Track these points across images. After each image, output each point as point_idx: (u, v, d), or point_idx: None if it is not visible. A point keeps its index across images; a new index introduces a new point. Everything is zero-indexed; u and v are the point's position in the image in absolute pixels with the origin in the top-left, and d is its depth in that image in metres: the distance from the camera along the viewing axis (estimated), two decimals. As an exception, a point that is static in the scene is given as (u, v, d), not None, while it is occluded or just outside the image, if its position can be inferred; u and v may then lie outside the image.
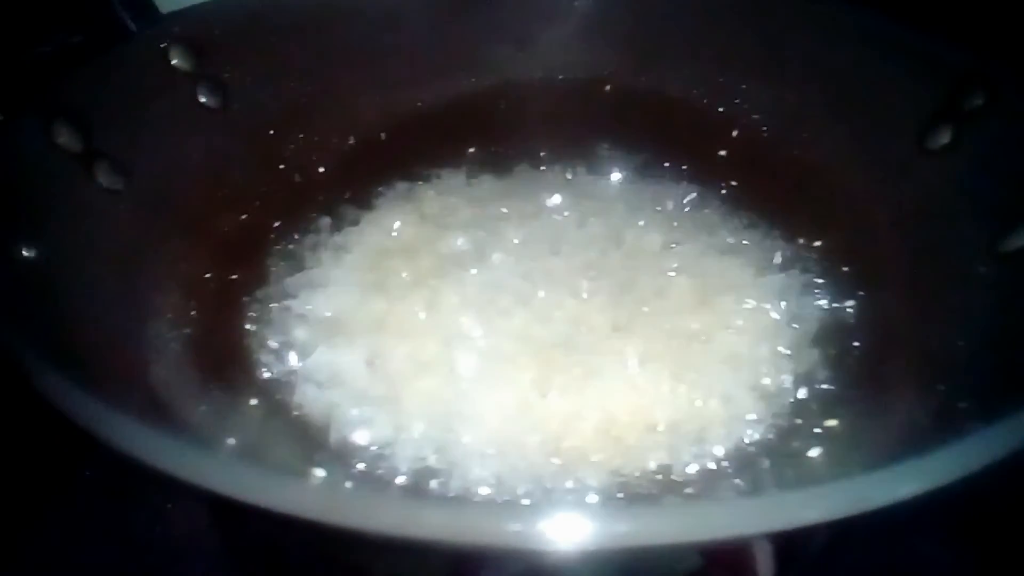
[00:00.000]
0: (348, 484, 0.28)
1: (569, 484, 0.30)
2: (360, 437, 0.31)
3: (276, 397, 0.32)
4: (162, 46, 0.41)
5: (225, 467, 0.20)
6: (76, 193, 0.34)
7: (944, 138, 0.38)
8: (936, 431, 0.24)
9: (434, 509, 0.21)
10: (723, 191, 0.45)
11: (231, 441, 0.27)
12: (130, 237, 0.35)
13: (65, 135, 0.35)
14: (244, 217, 0.42)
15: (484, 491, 0.30)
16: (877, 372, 0.32)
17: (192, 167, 0.41)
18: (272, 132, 0.45)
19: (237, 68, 0.44)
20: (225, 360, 0.33)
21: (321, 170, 0.46)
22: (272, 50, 0.45)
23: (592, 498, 0.29)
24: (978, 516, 0.31)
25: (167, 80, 0.41)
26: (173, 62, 0.42)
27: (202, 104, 0.43)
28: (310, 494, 0.20)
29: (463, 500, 0.27)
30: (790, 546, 0.27)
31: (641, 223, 0.44)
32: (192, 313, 0.34)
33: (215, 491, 0.19)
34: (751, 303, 0.38)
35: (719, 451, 0.30)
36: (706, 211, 0.45)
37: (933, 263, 0.34)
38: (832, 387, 0.32)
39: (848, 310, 0.37)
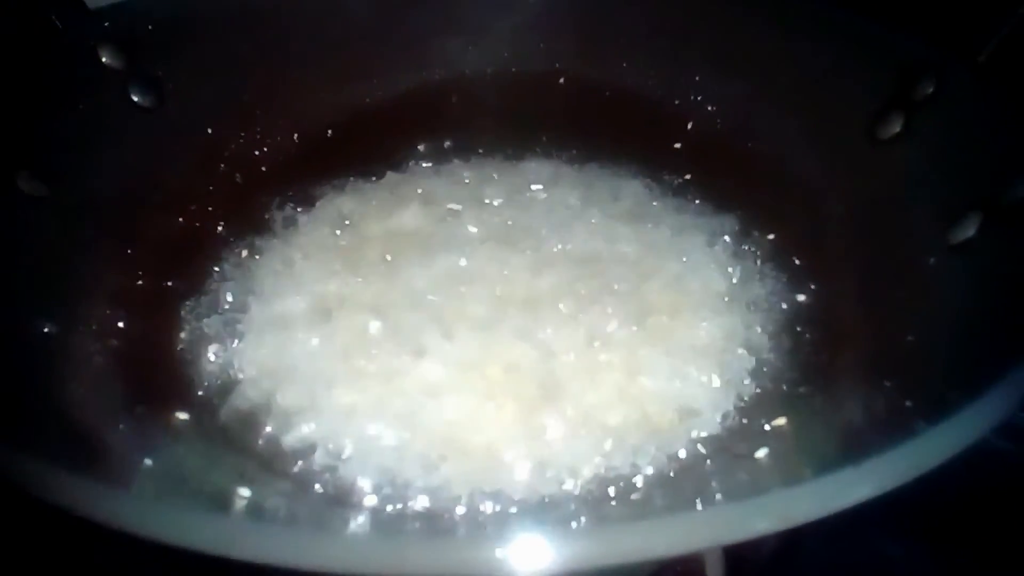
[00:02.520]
0: (284, 502, 0.26)
1: (520, 489, 0.29)
2: (299, 447, 0.30)
3: (209, 408, 0.31)
4: (91, 43, 0.39)
5: (129, 504, 0.19)
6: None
7: (895, 127, 0.37)
8: (882, 430, 0.23)
9: (365, 545, 0.20)
10: (677, 183, 0.45)
11: (148, 462, 0.25)
12: (54, 244, 0.33)
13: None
14: (181, 220, 0.40)
15: (425, 501, 0.29)
16: (827, 367, 0.31)
17: (125, 169, 0.39)
18: (211, 131, 0.43)
19: (172, 64, 0.42)
20: (154, 374, 0.31)
21: (264, 169, 0.45)
22: (209, 45, 0.44)
23: (543, 505, 0.29)
24: (931, 511, 0.30)
25: (97, 79, 0.39)
26: (103, 60, 0.40)
27: (135, 103, 0.41)
28: (237, 532, 0.19)
29: (401, 532, 0.26)
30: (740, 550, 0.27)
31: (594, 216, 0.43)
32: (120, 324, 0.32)
33: (123, 529, 0.18)
34: (702, 297, 0.38)
35: (667, 451, 0.30)
36: (660, 203, 0.44)
37: (884, 255, 0.33)
38: (781, 383, 0.32)
39: (800, 303, 0.36)
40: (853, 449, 0.23)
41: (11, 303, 0.30)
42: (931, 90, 0.36)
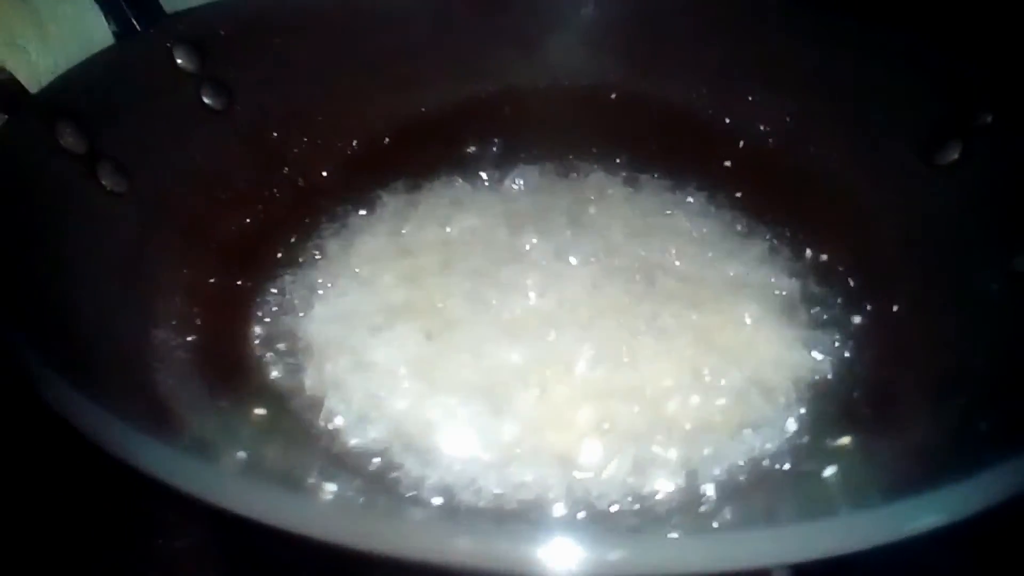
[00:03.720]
0: (359, 498, 0.27)
1: (583, 495, 0.30)
2: (369, 446, 0.31)
3: (284, 405, 0.32)
4: (167, 46, 0.41)
5: (229, 482, 0.20)
6: (79, 195, 0.33)
7: (953, 154, 0.38)
8: (955, 452, 0.24)
9: (434, 530, 0.20)
10: (728, 201, 0.45)
11: (239, 453, 0.26)
12: (133, 240, 0.34)
13: (68, 135, 0.34)
14: (248, 221, 0.41)
15: (488, 503, 0.29)
16: (888, 388, 0.31)
17: (195, 169, 0.40)
18: (275, 134, 0.45)
19: (241, 69, 0.43)
20: (232, 368, 0.32)
21: (324, 173, 0.46)
22: (277, 52, 0.45)
23: (603, 512, 0.29)
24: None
25: (171, 80, 0.41)
26: (178, 62, 0.41)
27: (206, 105, 0.42)
28: (314, 511, 0.20)
29: (463, 521, 0.27)
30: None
31: (646, 231, 0.44)
32: (197, 320, 0.33)
33: (219, 505, 0.19)
34: (755, 315, 0.38)
35: (730, 467, 0.30)
36: (711, 221, 0.44)
37: (942, 279, 0.34)
38: (842, 404, 0.32)
39: (855, 324, 0.36)
40: (925, 470, 0.23)
41: (96, 295, 0.30)
42: (990, 119, 0.37)
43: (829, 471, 0.27)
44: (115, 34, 0.43)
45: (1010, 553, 0.30)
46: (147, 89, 0.39)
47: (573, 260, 0.42)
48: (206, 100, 0.42)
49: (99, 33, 0.43)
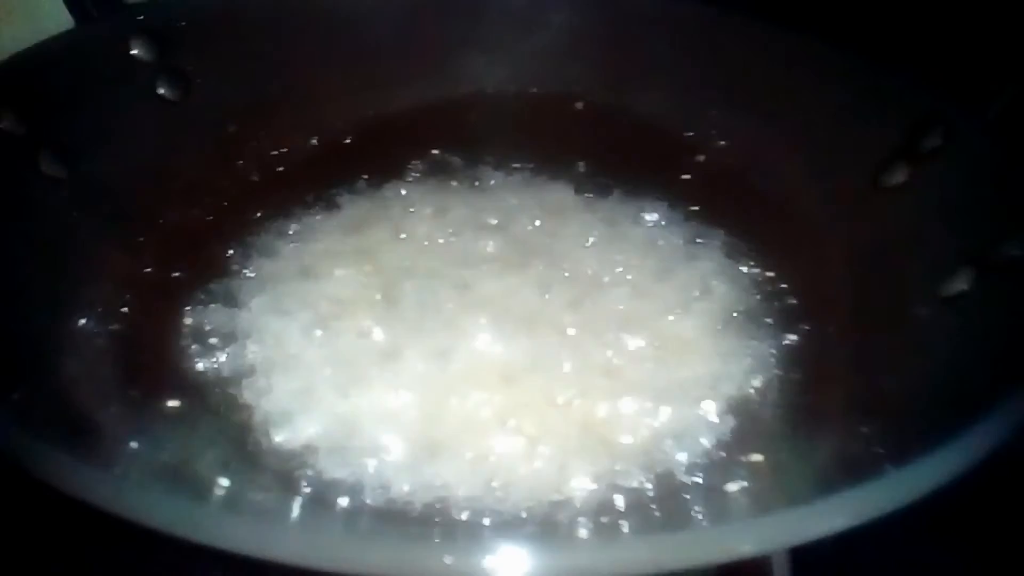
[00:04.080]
0: (256, 495, 0.27)
1: (506, 500, 0.30)
2: (281, 444, 0.30)
3: (201, 398, 0.32)
4: (123, 35, 0.41)
5: (107, 482, 0.19)
6: (14, 177, 0.33)
7: (900, 176, 0.38)
8: (851, 474, 0.23)
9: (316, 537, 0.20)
10: (684, 214, 0.45)
11: (134, 444, 0.26)
12: (67, 225, 0.34)
13: (8, 117, 0.34)
14: (195, 212, 0.41)
15: (415, 507, 0.29)
16: (809, 409, 0.31)
17: (145, 158, 0.40)
18: (232, 128, 0.45)
19: (200, 61, 0.43)
20: (153, 359, 0.32)
21: (280, 169, 0.46)
22: (238, 45, 0.45)
23: (512, 517, 0.29)
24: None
25: (125, 70, 0.41)
26: (133, 52, 0.41)
27: (160, 96, 0.42)
28: (210, 520, 0.19)
29: (383, 533, 0.27)
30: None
31: (601, 240, 0.44)
32: (123, 309, 0.33)
33: (96, 505, 0.19)
34: (697, 328, 0.38)
35: (644, 478, 0.30)
36: (666, 232, 0.44)
37: (876, 302, 0.34)
38: (764, 420, 0.32)
39: (792, 342, 0.36)
40: (820, 487, 0.23)
41: (21, 277, 0.30)
42: (939, 143, 0.37)
43: (734, 487, 0.27)
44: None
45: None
46: (98, 77, 0.39)
47: (527, 267, 0.42)
48: (161, 91, 0.42)
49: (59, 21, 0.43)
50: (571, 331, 0.38)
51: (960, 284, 0.31)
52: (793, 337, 0.36)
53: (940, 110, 0.37)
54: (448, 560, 0.17)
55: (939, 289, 0.31)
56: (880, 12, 0.47)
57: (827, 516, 0.19)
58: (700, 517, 0.27)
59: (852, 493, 0.20)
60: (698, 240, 0.44)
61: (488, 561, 0.18)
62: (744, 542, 0.19)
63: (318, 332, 0.36)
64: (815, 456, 0.28)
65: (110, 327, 0.32)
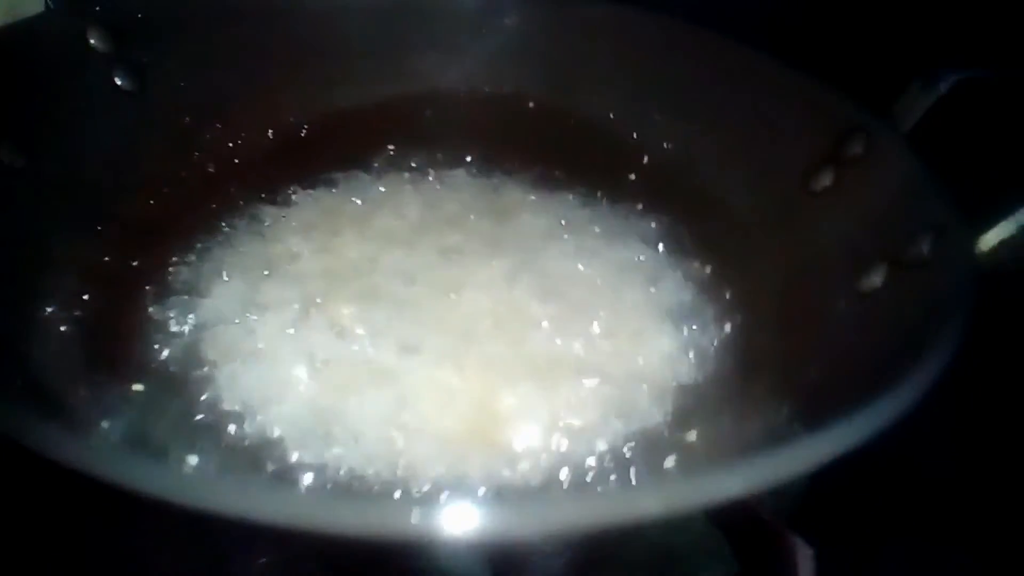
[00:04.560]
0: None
1: (457, 478, 0.31)
2: (247, 428, 0.32)
3: (164, 383, 0.32)
4: (80, 24, 0.41)
5: (92, 449, 0.20)
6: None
7: (826, 181, 0.41)
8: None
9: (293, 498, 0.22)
10: (630, 212, 0.48)
11: (105, 424, 0.27)
12: (26, 215, 0.35)
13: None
14: (152, 203, 0.42)
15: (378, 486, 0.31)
16: (740, 392, 0.34)
17: (102, 149, 0.40)
18: (188, 119, 0.45)
19: (157, 53, 0.44)
20: (115, 345, 0.33)
21: (236, 161, 0.47)
22: (195, 37, 0.45)
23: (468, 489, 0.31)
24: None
25: (82, 60, 0.41)
26: (91, 42, 0.41)
27: (117, 87, 0.42)
28: (194, 481, 0.21)
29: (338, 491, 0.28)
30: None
31: (548, 236, 0.46)
32: (85, 297, 0.34)
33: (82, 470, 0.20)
34: (642, 318, 0.40)
35: (588, 457, 0.32)
36: (610, 229, 0.47)
37: (802, 295, 0.37)
38: (699, 403, 0.34)
39: (726, 333, 0.39)
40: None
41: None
42: (861, 150, 0.40)
43: (670, 462, 0.30)
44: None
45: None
46: (55, 67, 0.39)
47: (479, 261, 0.44)
48: (118, 81, 0.42)
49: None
50: (527, 321, 0.40)
51: (875, 280, 0.34)
52: (728, 327, 0.39)
53: (862, 120, 0.40)
54: (414, 517, 0.19)
55: (857, 285, 0.34)
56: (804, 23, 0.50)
57: (742, 477, 0.21)
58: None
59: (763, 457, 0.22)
60: (642, 237, 0.46)
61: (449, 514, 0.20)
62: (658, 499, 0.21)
63: (277, 321, 0.37)
64: (743, 433, 0.30)
65: (74, 314, 0.33)
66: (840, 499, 0.34)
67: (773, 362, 0.34)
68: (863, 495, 0.33)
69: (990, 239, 0.33)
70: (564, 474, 0.31)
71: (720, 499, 0.20)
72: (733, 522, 0.31)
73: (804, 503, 0.34)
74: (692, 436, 0.32)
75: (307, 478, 0.30)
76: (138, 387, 0.31)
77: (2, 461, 0.22)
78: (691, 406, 0.34)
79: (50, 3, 0.42)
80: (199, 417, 0.31)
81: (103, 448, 0.20)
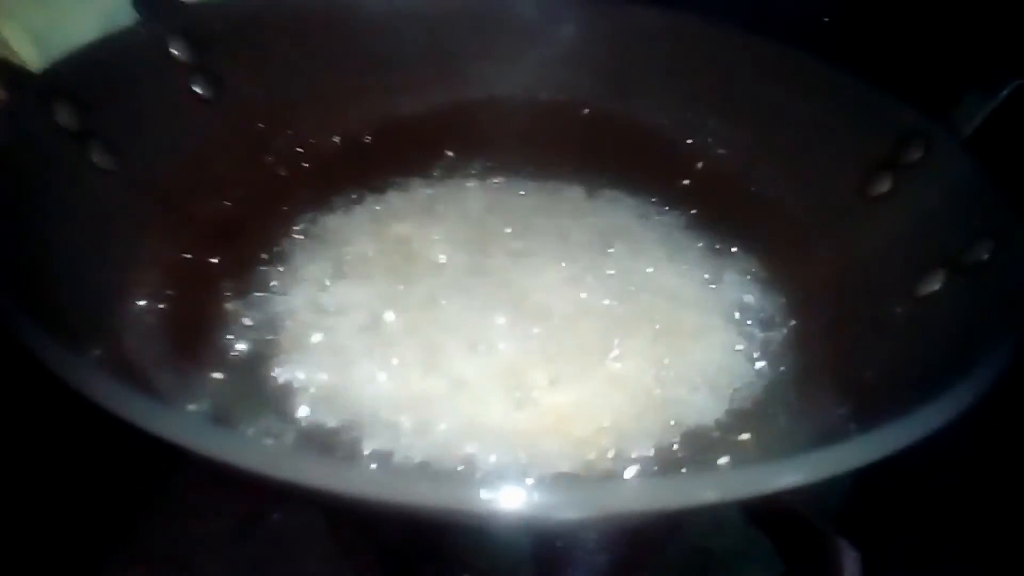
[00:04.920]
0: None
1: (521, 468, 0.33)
2: (321, 417, 0.33)
3: (243, 373, 0.34)
4: (164, 37, 0.44)
5: (187, 422, 0.22)
6: (70, 169, 0.36)
7: (884, 186, 0.41)
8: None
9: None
10: (684, 218, 0.48)
11: (193, 407, 0.29)
12: (115, 214, 0.37)
13: (63, 113, 0.37)
14: (227, 204, 0.44)
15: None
16: (794, 394, 0.34)
17: (182, 153, 0.43)
18: (261, 125, 0.47)
19: (234, 63, 0.46)
20: (197, 336, 0.35)
21: (306, 165, 0.49)
22: (268, 49, 0.48)
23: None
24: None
25: (165, 69, 0.43)
26: (173, 53, 0.44)
27: (197, 94, 0.45)
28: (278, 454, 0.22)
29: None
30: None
31: (607, 242, 0.47)
32: (168, 291, 0.36)
33: (176, 443, 0.21)
34: (697, 321, 0.41)
35: (644, 452, 0.33)
36: (666, 234, 0.47)
37: (858, 301, 0.37)
38: (753, 405, 0.35)
39: (782, 336, 0.39)
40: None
41: (78, 262, 0.33)
42: (919, 155, 0.40)
43: (723, 460, 0.30)
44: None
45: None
46: (142, 75, 0.42)
47: (542, 264, 0.45)
48: (197, 89, 0.45)
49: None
50: (585, 326, 0.41)
51: (933, 285, 0.34)
52: (784, 331, 0.39)
53: (921, 125, 0.40)
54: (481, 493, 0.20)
55: (914, 289, 0.35)
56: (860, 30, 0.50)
57: (792, 471, 0.22)
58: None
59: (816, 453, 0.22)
60: (697, 242, 0.47)
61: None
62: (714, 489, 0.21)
63: (347, 319, 0.39)
64: (796, 434, 0.31)
65: (159, 307, 0.35)
66: (886, 501, 0.34)
67: (828, 364, 0.35)
68: (909, 497, 0.33)
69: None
70: (619, 469, 0.32)
71: (772, 490, 0.21)
72: (777, 524, 0.32)
73: (849, 505, 0.34)
74: (746, 436, 0.32)
75: (370, 460, 0.31)
76: (218, 375, 0.33)
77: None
78: (746, 406, 0.35)
79: (140, 16, 0.44)
80: (273, 405, 0.33)
81: (195, 421, 0.22)
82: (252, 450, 0.20)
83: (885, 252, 0.38)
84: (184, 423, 0.21)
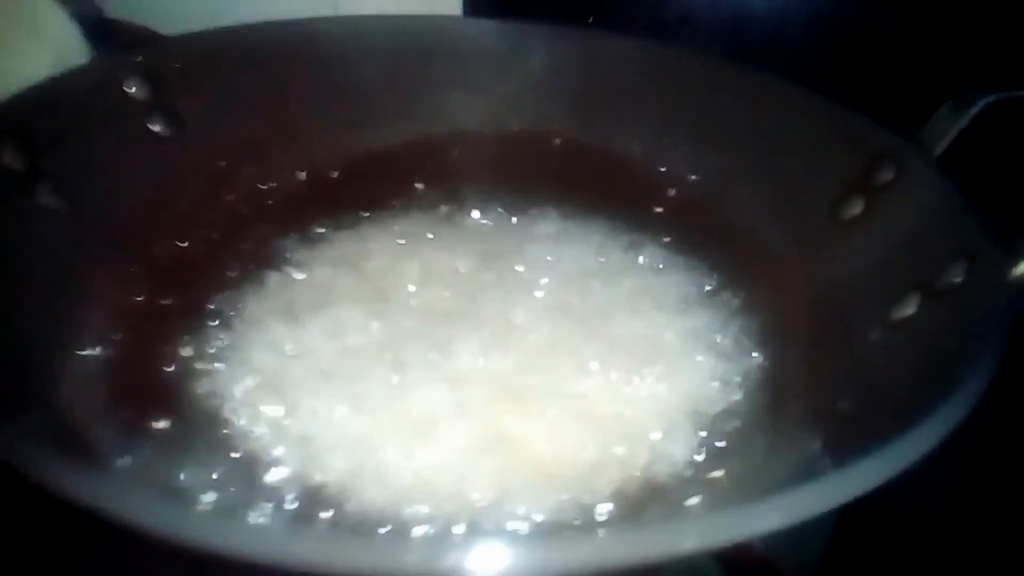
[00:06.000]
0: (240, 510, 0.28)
1: (480, 512, 0.31)
2: (275, 473, 0.32)
3: (190, 421, 0.33)
4: (119, 74, 0.43)
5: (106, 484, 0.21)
6: (14, 209, 0.35)
7: (855, 209, 0.40)
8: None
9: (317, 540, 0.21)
10: (657, 246, 0.47)
11: (125, 460, 0.27)
12: (62, 256, 0.36)
13: (10, 153, 0.36)
14: (186, 245, 0.43)
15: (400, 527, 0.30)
16: (769, 426, 0.33)
17: (137, 193, 0.42)
18: (223, 163, 0.46)
19: (193, 100, 0.45)
20: (142, 384, 0.34)
21: (270, 202, 0.48)
22: (229, 84, 0.47)
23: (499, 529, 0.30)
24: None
25: (121, 107, 0.43)
26: (130, 91, 0.43)
27: (154, 133, 0.44)
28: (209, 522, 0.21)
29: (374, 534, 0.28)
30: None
31: (578, 270, 0.46)
32: (115, 336, 0.35)
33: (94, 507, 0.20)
34: (670, 355, 0.40)
35: (617, 490, 0.31)
36: (639, 263, 0.46)
37: (832, 327, 0.36)
38: (726, 438, 0.34)
39: (755, 364, 0.38)
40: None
41: (19, 301, 0.32)
42: (890, 177, 0.39)
43: (694, 500, 0.29)
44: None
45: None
46: (96, 114, 0.41)
47: (513, 297, 0.44)
48: (155, 128, 0.44)
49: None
50: (550, 357, 0.39)
51: (907, 309, 0.33)
52: (758, 359, 0.38)
53: (892, 147, 0.39)
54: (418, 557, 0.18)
55: (888, 314, 0.33)
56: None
57: (766, 514, 0.20)
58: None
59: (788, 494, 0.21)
60: (671, 271, 0.46)
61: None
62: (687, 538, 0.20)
63: (309, 360, 0.38)
64: (771, 469, 0.29)
65: (103, 352, 0.34)
66: (867, 555, 0.32)
67: (803, 393, 0.33)
68: (890, 551, 0.31)
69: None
70: (590, 508, 0.30)
71: (738, 538, 0.20)
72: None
73: (828, 561, 0.32)
74: (719, 473, 0.31)
75: (335, 517, 0.29)
76: (163, 424, 0.32)
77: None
78: (719, 441, 0.33)
79: (94, 53, 0.44)
80: (224, 455, 0.32)
81: (108, 483, 0.20)
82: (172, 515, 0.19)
83: (858, 276, 0.37)
84: (109, 488, 0.19)
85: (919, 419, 0.23)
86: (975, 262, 0.31)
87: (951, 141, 0.38)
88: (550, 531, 0.30)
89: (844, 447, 0.26)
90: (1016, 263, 0.31)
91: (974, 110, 0.37)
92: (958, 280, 0.32)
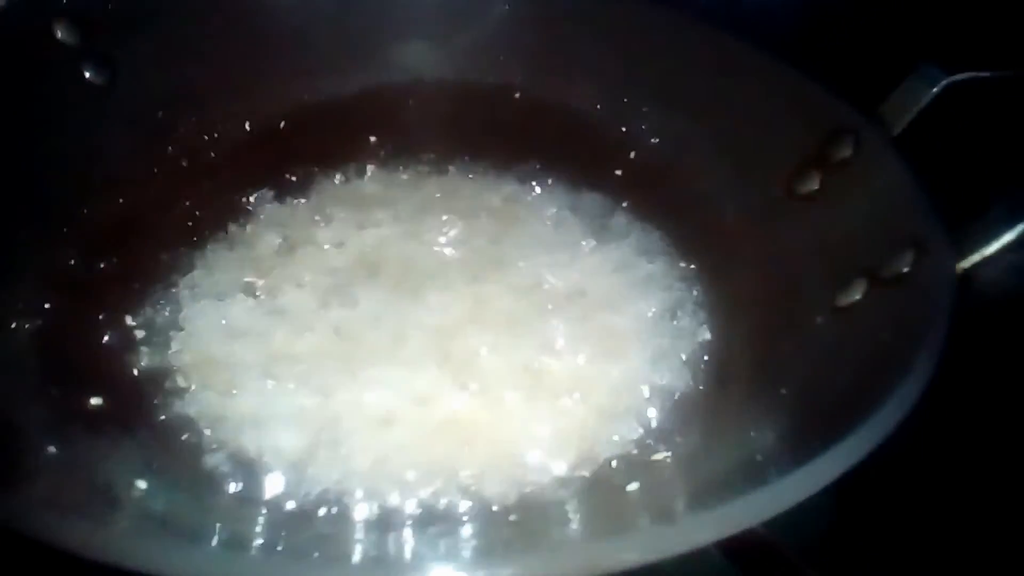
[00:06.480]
0: (176, 496, 0.27)
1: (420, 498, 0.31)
2: (203, 442, 0.31)
3: (123, 396, 0.32)
4: (47, 18, 0.40)
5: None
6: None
7: (812, 184, 0.40)
8: (740, 477, 0.25)
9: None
10: (614, 209, 0.46)
11: (52, 449, 0.26)
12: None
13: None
14: (121, 202, 0.41)
15: (332, 507, 0.30)
16: (711, 412, 0.33)
17: (70, 146, 0.40)
18: (161, 114, 0.44)
19: (127, 45, 0.43)
20: (73, 358, 0.32)
21: (213, 155, 0.46)
22: (167, 28, 0.44)
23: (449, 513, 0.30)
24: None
25: (49, 53, 0.40)
26: (58, 35, 0.40)
27: (86, 80, 0.41)
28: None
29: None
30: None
31: (532, 233, 0.45)
32: (46, 304, 0.33)
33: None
34: (621, 332, 0.39)
35: (553, 472, 0.32)
36: (595, 226, 0.46)
37: (779, 307, 0.36)
38: (672, 420, 0.34)
39: (705, 341, 0.38)
40: (710, 492, 0.25)
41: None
42: (848, 154, 0.39)
43: (633, 486, 0.29)
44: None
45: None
46: (20, 61, 0.38)
47: (462, 256, 0.43)
48: (87, 75, 0.41)
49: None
50: (500, 326, 0.39)
51: (854, 295, 0.33)
52: (708, 336, 0.38)
53: (852, 122, 0.39)
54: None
55: (834, 299, 0.33)
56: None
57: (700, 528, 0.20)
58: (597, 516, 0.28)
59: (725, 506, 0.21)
60: (626, 234, 0.45)
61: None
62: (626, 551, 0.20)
63: (252, 329, 0.37)
64: (713, 457, 0.29)
65: (31, 324, 0.32)
66: (867, 535, 0.32)
67: (748, 376, 0.33)
68: (890, 530, 0.32)
69: (973, 257, 0.32)
70: (544, 488, 0.30)
71: (696, 545, 0.20)
72: (752, 559, 0.30)
73: (828, 539, 0.32)
74: (663, 455, 0.31)
75: (280, 502, 0.29)
76: (97, 401, 0.31)
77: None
78: (665, 423, 0.33)
79: (14, -5, 0.40)
80: (156, 433, 0.31)
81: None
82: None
83: (808, 256, 0.37)
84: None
85: (853, 423, 0.23)
86: (922, 252, 0.31)
87: (910, 120, 0.37)
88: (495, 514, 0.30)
89: (784, 442, 0.27)
90: (963, 256, 0.31)
91: (936, 89, 0.37)
92: (905, 269, 0.32)
